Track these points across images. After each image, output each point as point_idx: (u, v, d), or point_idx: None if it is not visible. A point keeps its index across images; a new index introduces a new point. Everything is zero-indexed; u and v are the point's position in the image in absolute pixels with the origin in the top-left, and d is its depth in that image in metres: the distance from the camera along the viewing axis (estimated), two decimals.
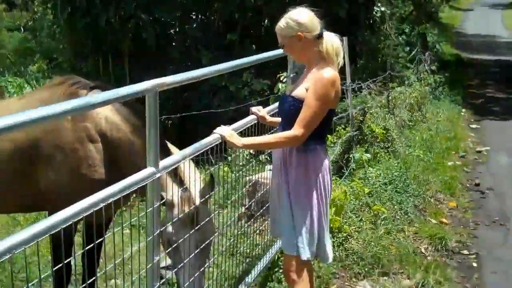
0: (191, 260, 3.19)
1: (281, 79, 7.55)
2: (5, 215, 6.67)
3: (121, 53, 11.89)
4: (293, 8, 3.30)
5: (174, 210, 3.18)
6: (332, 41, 3.29)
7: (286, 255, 3.47)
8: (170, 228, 3.18)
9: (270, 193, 3.68)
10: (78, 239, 4.60)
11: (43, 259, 5.08)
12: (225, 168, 6.23)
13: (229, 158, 6.87)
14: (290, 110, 3.29)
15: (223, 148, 3.42)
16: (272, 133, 4.01)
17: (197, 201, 3.23)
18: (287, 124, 3.30)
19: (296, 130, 3.14)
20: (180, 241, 3.14)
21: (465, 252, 5.21)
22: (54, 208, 3.59)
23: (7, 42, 15.90)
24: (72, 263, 3.54)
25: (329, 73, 3.19)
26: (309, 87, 3.19)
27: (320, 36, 3.26)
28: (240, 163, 6.13)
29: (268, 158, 5.34)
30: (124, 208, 5.41)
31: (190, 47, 11.84)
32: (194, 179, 3.30)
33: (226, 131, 3.23)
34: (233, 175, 5.88)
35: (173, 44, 11.98)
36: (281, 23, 3.26)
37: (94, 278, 3.06)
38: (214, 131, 3.28)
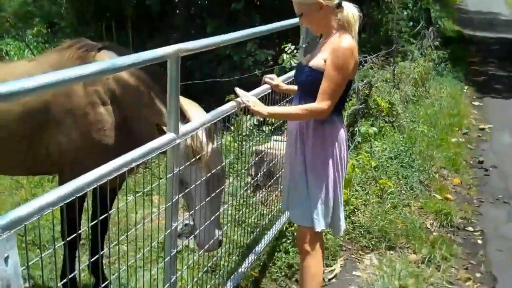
0: (203, 197, 3.16)
1: (285, 49, 7.50)
2: (8, 178, 6.68)
3: (124, 19, 11.77)
4: None
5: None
6: (352, 11, 3.25)
7: (300, 227, 3.48)
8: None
9: (284, 164, 3.65)
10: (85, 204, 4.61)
11: (48, 223, 5.11)
12: (228, 138, 6.22)
13: (232, 128, 6.87)
14: (307, 81, 3.27)
15: (226, 118, 3.40)
16: (288, 102, 4.00)
17: (203, 138, 3.20)
18: (305, 94, 3.30)
19: (321, 103, 3.11)
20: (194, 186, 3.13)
21: (470, 228, 5.25)
22: (61, 172, 3.61)
23: (7, 5, 15.68)
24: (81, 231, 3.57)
25: (347, 41, 3.15)
26: (328, 57, 3.14)
27: (339, 5, 3.21)
28: (244, 133, 6.12)
29: (272, 129, 5.32)
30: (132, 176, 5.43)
31: (194, 15, 11.72)
32: (195, 114, 3.27)
33: (251, 99, 3.18)
34: (236, 144, 5.89)
35: (177, 11, 11.84)
36: None
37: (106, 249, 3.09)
38: (238, 99, 3.25)
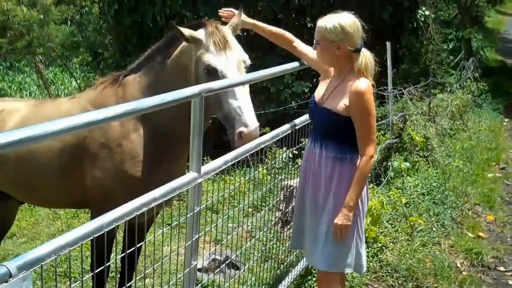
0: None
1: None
2: (45, 209, 6.86)
3: None
4: (342, 11, 3.26)
5: (204, 39, 3.31)
6: (369, 57, 3.27)
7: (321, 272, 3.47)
8: (207, 56, 3.28)
9: (297, 207, 3.62)
10: (118, 237, 4.71)
11: (80, 254, 5.21)
12: (263, 171, 6.27)
13: (268, 161, 6.92)
14: (326, 123, 3.33)
15: (262, 151, 3.48)
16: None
17: (222, 27, 3.40)
18: (324, 136, 3.36)
19: (368, 149, 3.19)
20: (220, 65, 3.26)
21: (502, 268, 5.13)
22: (98, 207, 3.72)
23: (54, 36, 16.23)
24: (110, 263, 3.66)
25: (365, 83, 3.19)
26: (351, 103, 3.17)
27: (357, 51, 3.23)
28: (278, 166, 6.16)
29: None
30: (167, 208, 5.53)
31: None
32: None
33: (345, 221, 3.22)
34: (269, 177, 5.93)
35: None
36: (327, 23, 3.19)
37: (132, 281, 3.16)
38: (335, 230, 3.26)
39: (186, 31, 3.31)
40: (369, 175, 6.37)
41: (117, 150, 3.49)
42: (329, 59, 3.32)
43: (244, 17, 3.70)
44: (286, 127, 3.84)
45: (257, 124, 3.22)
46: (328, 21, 3.20)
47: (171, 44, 3.52)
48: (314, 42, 3.32)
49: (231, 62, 3.30)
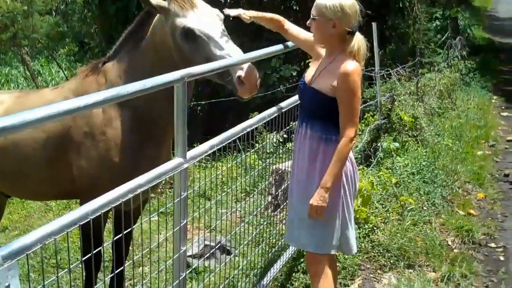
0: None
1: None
2: (37, 201, 6.84)
3: None
4: None
5: (171, 6, 3.24)
6: (363, 44, 3.27)
7: (309, 253, 3.48)
8: (179, 21, 3.21)
9: (289, 190, 3.62)
10: (109, 226, 4.70)
11: (73, 245, 5.21)
12: (253, 156, 6.26)
13: (257, 145, 6.92)
14: (312, 103, 3.32)
15: (250, 136, 3.46)
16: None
17: None
18: (310, 116, 3.34)
19: (349, 131, 3.16)
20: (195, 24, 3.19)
21: (492, 245, 5.16)
22: (87, 197, 3.70)
23: (39, 27, 16.08)
24: (101, 251, 3.64)
25: (353, 64, 3.18)
26: (338, 84, 3.16)
27: (351, 33, 3.22)
28: (268, 151, 6.15)
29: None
30: (153, 195, 5.52)
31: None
32: None
33: (321, 202, 3.19)
34: (260, 162, 5.92)
35: None
36: (328, 1, 3.16)
37: (122, 267, 3.15)
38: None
39: (153, 0, 3.26)
40: (359, 156, 6.40)
41: (101, 138, 3.46)
42: (322, 37, 3.29)
43: (243, 12, 3.68)
44: (273, 109, 3.82)
45: (252, 65, 3.17)
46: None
47: (144, 24, 3.46)
48: (311, 17, 3.26)
49: (205, 19, 3.24)
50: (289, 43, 3.93)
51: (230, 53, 3.15)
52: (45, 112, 1.99)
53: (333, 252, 3.40)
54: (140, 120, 3.45)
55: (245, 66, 3.15)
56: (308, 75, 3.44)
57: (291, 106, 4.03)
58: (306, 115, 3.39)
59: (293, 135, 4.88)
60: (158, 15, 3.35)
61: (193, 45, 3.21)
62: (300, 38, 3.70)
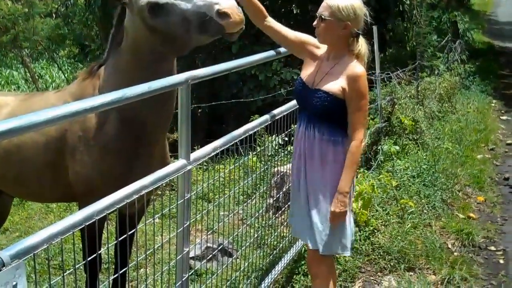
0: None
1: (304, 66, 7.53)
2: (38, 203, 6.85)
3: None
4: None
5: None
6: (366, 48, 3.30)
7: (310, 250, 3.49)
8: None
9: (293, 191, 3.60)
10: (111, 228, 4.72)
11: (74, 247, 5.22)
12: (254, 159, 6.28)
13: (258, 148, 6.94)
14: (321, 105, 3.25)
15: (252, 138, 3.48)
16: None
17: None
18: (317, 119, 3.30)
19: (359, 133, 3.19)
20: None
21: (492, 248, 5.18)
22: (85, 201, 3.71)
23: (40, 29, 16.10)
24: (102, 252, 3.66)
25: (360, 67, 3.21)
26: (349, 86, 3.17)
27: (358, 35, 3.24)
28: (269, 153, 6.17)
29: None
30: (154, 197, 5.53)
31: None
32: None
33: (342, 207, 3.22)
34: (260, 164, 5.94)
35: None
36: (340, 2, 3.15)
37: (124, 269, 3.16)
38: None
39: None
40: (360, 159, 6.42)
41: (93, 142, 3.45)
42: (329, 38, 3.26)
43: None
44: (274, 112, 3.84)
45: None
46: (337, 0, 3.17)
47: (118, 26, 3.39)
48: (320, 17, 3.22)
49: None
50: (276, 50, 3.86)
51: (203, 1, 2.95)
52: (52, 114, 2.01)
53: (340, 253, 3.41)
54: (130, 123, 3.39)
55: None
56: (307, 75, 3.40)
57: (293, 109, 4.05)
58: (312, 117, 3.34)
59: (293, 138, 4.92)
60: (127, 11, 3.26)
61: (164, 17, 3.06)
62: (288, 37, 3.51)
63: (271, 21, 3.51)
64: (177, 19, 3.04)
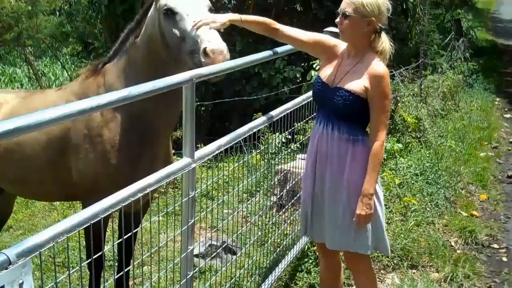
0: None
1: (313, 66, 7.54)
2: None
3: None
4: None
5: None
6: (388, 43, 3.24)
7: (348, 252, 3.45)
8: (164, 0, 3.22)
9: (307, 191, 3.50)
10: (114, 226, 4.73)
11: (77, 244, 5.24)
12: (257, 156, 6.29)
13: (261, 146, 6.95)
14: (342, 103, 3.19)
15: (255, 136, 3.49)
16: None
17: None
18: (337, 118, 3.25)
19: (381, 134, 3.16)
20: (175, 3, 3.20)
21: (495, 246, 5.20)
22: (88, 200, 3.73)
23: (44, 27, 16.12)
24: (105, 250, 3.68)
25: (383, 67, 3.17)
26: (372, 86, 3.13)
27: (380, 32, 3.20)
28: (272, 151, 6.18)
29: (299, 146, 5.35)
30: (156, 195, 5.55)
31: (224, 33, 11.80)
32: None
33: (368, 210, 3.19)
34: (263, 162, 5.95)
35: None
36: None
37: (129, 267, 3.18)
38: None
39: None
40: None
41: (98, 140, 3.47)
42: (353, 35, 3.20)
43: (229, 17, 3.29)
44: (278, 111, 3.85)
45: (222, 42, 3.07)
46: None
47: (141, 21, 3.47)
48: (343, 14, 3.16)
49: (189, 2, 3.22)
50: (279, 49, 3.85)
51: (202, 34, 3.07)
52: (54, 113, 2.01)
53: (369, 252, 3.37)
54: (135, 121, 3.43)
55: (213, 39, 3.05)
56: (327, 74, 3.33)
57: (296, 107, 4.06)
58: (331, 116, 3.28)
59: (297, 136, 4.92)
60: (152, 7, 3.36)
61: (172, 23, 3.19)
62: (301, 39, 3.46)
63: (284, 30, 3.46)
64: (179, 32, 3.16)
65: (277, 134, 5.20)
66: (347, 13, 3.13)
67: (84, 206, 3.73)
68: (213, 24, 3.13)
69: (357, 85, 3.16)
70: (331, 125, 3.29)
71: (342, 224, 3.30)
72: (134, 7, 10.63)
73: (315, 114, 3.93)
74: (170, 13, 3.19)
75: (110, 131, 3.45)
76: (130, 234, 2.70)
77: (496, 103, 11.70)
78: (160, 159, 3.50)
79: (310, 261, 4.52)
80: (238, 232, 4.07)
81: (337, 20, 3.21)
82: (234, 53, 10.05)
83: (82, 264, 2.36)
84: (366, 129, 3.34)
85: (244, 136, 3.35)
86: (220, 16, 3.23)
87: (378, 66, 3.15)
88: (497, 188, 6.74)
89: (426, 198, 5.81)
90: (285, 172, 5.18)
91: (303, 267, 4.50)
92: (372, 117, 3.19)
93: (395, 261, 4.66)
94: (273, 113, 3.79)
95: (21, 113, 1.97)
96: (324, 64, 3.43)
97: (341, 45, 3.39)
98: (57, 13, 18.26)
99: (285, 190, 5.09)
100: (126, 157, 3.45)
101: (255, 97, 9.76)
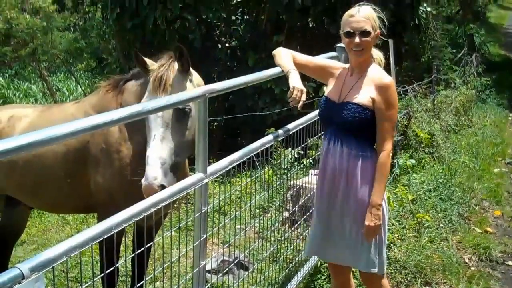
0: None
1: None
2: (55, 215, 6.91)
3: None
4: (366, 5, 3.20)
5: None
6: (377, 51, 3.32)
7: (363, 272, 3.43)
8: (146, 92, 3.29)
9: (319, 208, 3.47)
10: (127, 241, 4.74)
11: (90, 259, 5.26)
12: (270, 172, 6.29)
13: (273, 161, 6.94)
14: (353, 118, 3.16)
15: (267, 152, 3.49)
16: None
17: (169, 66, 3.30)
18: (344, 134, 3.23)
19: (388, 144, 3.13)
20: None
21: (510, 263, 5.14)
22: (104, 211, 3.75)
23: (58, 43, 16.33)
24: (119, 265, 3.68)
25: (388, 77, 3.19)
26: (378, 96, 3.12)
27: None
28: (284, 167, 6.17)
29: (312, 161, 5.35)
30: (169, 211, 5.56)
31: (236, 48, 11.90)
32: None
33: (377, 221, 3.16)
34: (276, 178, 5.94)
35: (219, 45, 12.06)
36: (372, 13, 3.14)
37: (142, 282, 3.18)
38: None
39: (148, 62, 3.37)
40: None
41: (115, 156, 3.52)
42: (369, 51, 3.22)
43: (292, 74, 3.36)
44: (290, 126, 3.84)
45: (154, 176, 3.08)
46: (370, 11, 3.16)
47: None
48: (364, 31, 3.12)
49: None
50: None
51: (149, 156, 3.13)
52: (73, 127, 2.05)
53: (376, 270, 3.32)
54: None
55: (148, 175, 3.09)
56: (332, 92, 3.33)
57: (308, 123, 4.06)
58: (338, 132, 3.26)
59: (309, 151, 4.91)
60: None
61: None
62: (309, 65, 3.52)
63: (298, 60, 3.50)
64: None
65: (290, 149, 5.21)
66: (368, 30, 3.14)
67: (99, 217, 3.76)
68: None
69: (364, 97, 3.16)
70: (339, 141, 3.26)
71: (352, 240, 3.28)
72: (145, 22, 10.75)
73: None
74: None
75: (127, 149, 3.50)
76: (142, 249, 2.69)
77: (510, 118, 11.66)
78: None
79: (323, 278, 4.49)
80: (251, 248, 4.07)
81: (357, 40, 3.13)
82: (247, 70, 10.11)
83: (95, 279, 2.36)
84: (374, 146, 3.31)
85: (257, 151, 3.36)
86: (295, 83, 3.26)
87: (383, 76, 3.17)
88: (511, 204, 6.68)
89: (439, 214, 5.76)
90: (297, 187, 5.17)
91: (315, 283, 4.47)
92: (378, 127, 3.16)
93: (408, 278, 4.62)
94: (284, 129, 3.78)
95: (41, 125, 2.00)
96: (329, 85, 3.43)
97: (339, 66, 3.45)
98: (72, 29, 18.50)
99: (297, 206, 5.07)
100: (141, 174, 3.47)
101: (267, 113, 9.77)
